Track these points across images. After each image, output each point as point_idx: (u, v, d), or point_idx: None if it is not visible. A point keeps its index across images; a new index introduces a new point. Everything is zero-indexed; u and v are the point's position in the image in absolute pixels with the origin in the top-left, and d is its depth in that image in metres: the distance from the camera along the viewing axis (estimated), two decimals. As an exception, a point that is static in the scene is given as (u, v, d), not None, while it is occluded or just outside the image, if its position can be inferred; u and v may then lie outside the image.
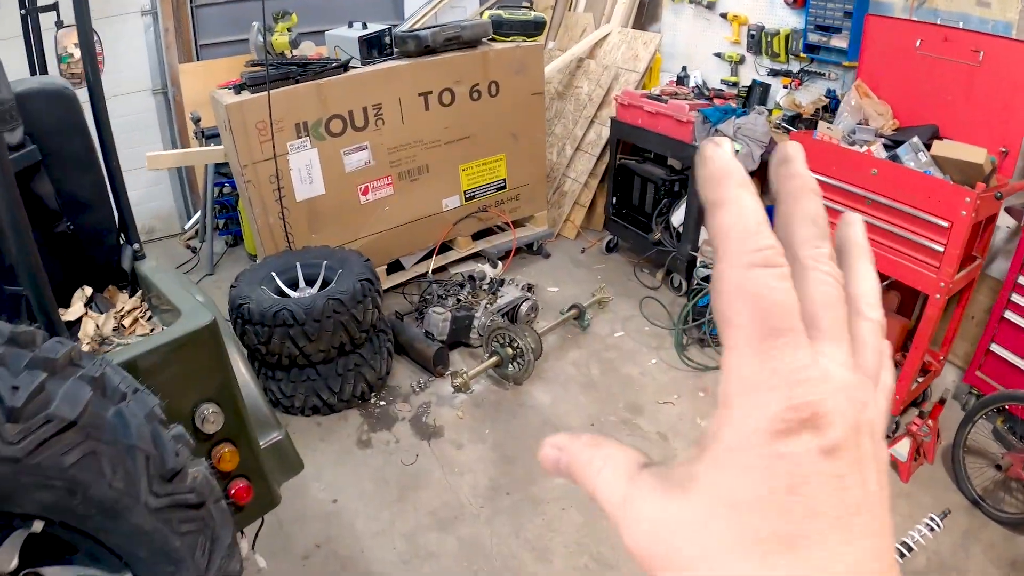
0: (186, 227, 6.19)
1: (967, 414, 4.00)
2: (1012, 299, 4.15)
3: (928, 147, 3.64)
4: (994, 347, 4.30)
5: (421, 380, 4.29)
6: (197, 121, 5.26)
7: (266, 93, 4.05)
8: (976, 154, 3.48)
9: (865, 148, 3.79)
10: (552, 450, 0.42)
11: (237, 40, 5.66)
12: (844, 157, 3.75)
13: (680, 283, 5.19)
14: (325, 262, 4.11)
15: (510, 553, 3.25)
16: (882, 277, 4.27)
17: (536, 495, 3.53)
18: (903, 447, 3.99)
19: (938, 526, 3.20)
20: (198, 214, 5.84)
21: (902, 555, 3.13)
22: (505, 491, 3.55)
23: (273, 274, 4.03)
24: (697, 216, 4.94)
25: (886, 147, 3.83)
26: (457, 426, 3.98)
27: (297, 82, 4.23)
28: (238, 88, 4.22)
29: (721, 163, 0.37)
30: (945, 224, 3.46)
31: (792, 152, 0.40)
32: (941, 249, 3.52)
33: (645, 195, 5.40)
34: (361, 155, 4.60)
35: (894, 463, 4.05)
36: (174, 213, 6.47)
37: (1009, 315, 4.16)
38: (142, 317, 2.22)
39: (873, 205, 3.68)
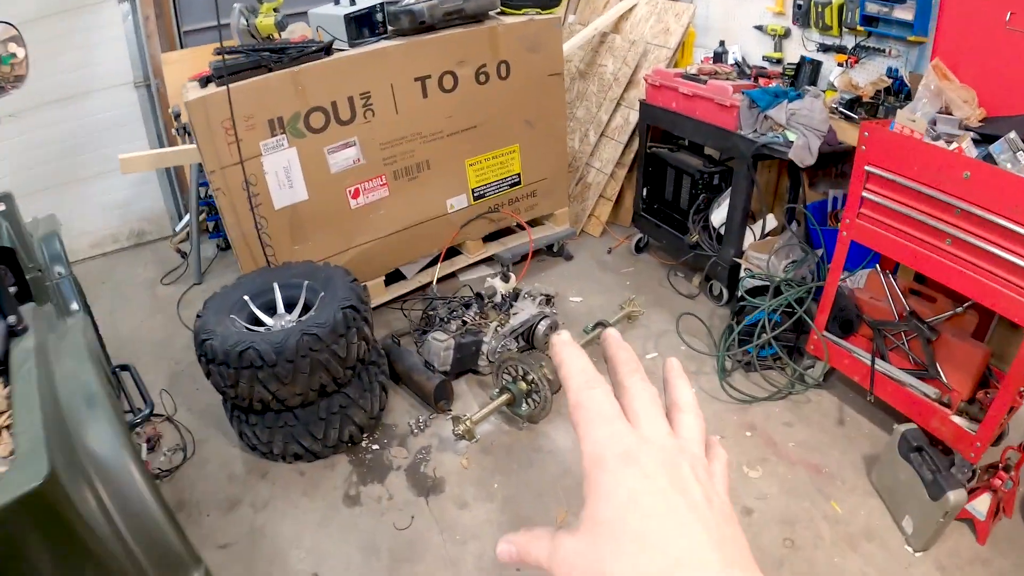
0: (177, 229, 5.64)
1: None
2: None
3: (1026, 144, 2.95)
4: None
5: (421, 418, 3.70)
6: (177, 116, 4.72)
7: (236, 86, 3.44)
8: None
9: (954, 145, 3.09)
10: (505, 545, 0.53)
11: (226, 24, 5.07)
12: (928, 155, 3.04)
13: (721, 291, 4.55)
14: (307, 282, 3.51)
15: None
16: (962, 299, 3.60)
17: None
18: (982, 504, 3.33)
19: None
20: (188, 216, 5.30)
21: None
22: (516, 567, 2.95)
23: (246, 298, 3.43)
24: (742, 216, 4.28)
25: (975, 143, 3.14)
26: (461, 477, 3.38)
27: (270, 70, 3.60)
28: (204, 81, 3.61)
29: (560, 342, 0.59)
30: None
31: (610, 333, 0.62)
32: None
33: (680, 189, 4.74)
34: (348, 153, 3.97)
35: (970, 521, 3.40)
36: (164, 214, 5.97)
37: None
38: (6, 428, 1.61)
39: (962, 216, 2.97)
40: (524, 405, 3.59)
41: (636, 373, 0.57)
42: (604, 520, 0.47)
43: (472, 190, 4.61)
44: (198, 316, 3.27)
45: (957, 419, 3.43)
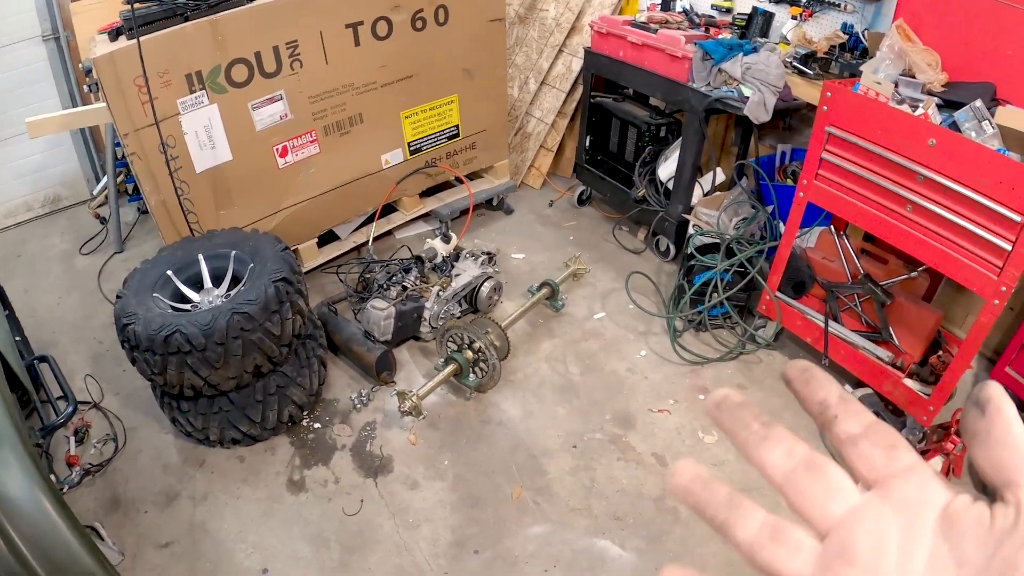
0: (94, 192, 5.22)
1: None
2: None
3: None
4: None
5: (363, 391, 3.51)
6: (89, 72, 4.28)
7: (148, 39, 3.11)
8: None
9: (919, 111, 2.98)
10: None
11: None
12: (894, 120, 2.93)
13: (668, 247, 4.43)
14: (234, 252, 3.24)
15: None
16: (914, 261, 3.55)
17: (511, 552, 2.82)
18: (934, 466, 3.34)
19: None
20: (105, 178, 4.90)
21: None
22: (473, 548, 2.84)
23: (170, 273, 3.16)
24: (692, 172, 4.14)
25: (938, 108, 3.04)
26: (409, 455, 3.23)
27: (186, 19, 3.26)
28: (114, 33, 3.26)
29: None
30: (1017, 218, 2.67)
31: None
32: (1008, 247, 2.76)
33: (625, 140, 4.57)
34: (275, 108, 3.68)
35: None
36: (80, 177, 5.48)
37: None
38: None
39: (925, 183, 2.89)
40: (471, 375, 3.44)
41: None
42: None
43: (408, 144, 4.36)
44: (118, 297, 2.98)
45: (909, 382, 3.41)
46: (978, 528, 0.38)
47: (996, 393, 0.42)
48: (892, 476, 0.41)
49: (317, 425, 3.37)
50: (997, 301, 2.92)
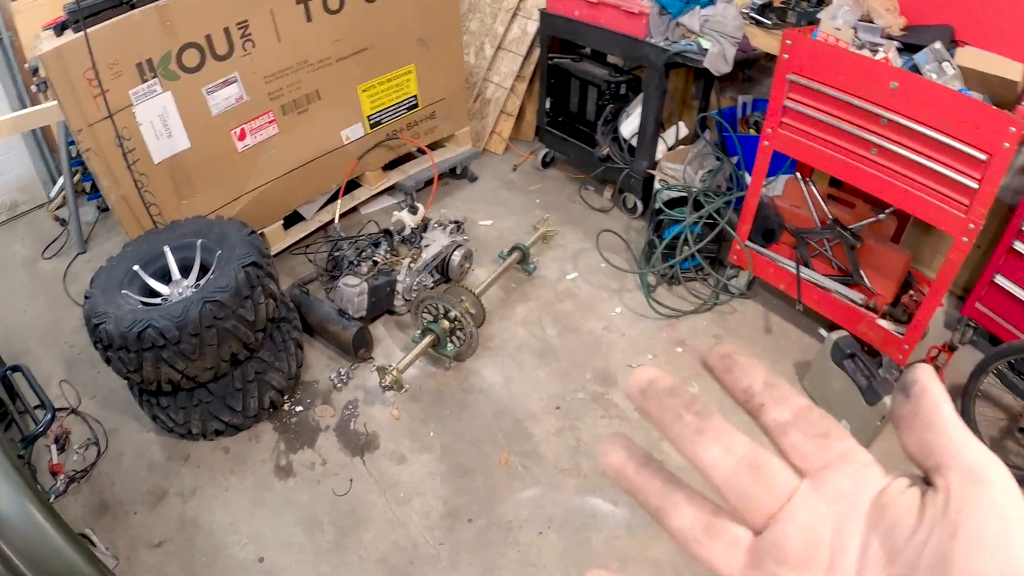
0: (51, 195, 5.09)
1: (980, 365, 3.49)
2: (1023, 228, 3.54)
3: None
4: (999, 279, 3.75)
5: (342, 370, 3.50)
6: (35, 71, 4.15)
7: (95, 30, 3.03)
8: (1010, 68, 2.84)
9: (880, 55, 3.01)
10: None
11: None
12: (855, 65, 2.95)
13: (635, 204, 4.43)
14: (200, 240, 3.19)
15: None
16: (881, 204, 3.59)
17: (504, 518, 2.85)
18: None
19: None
20: (62, 178, 4.77)
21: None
22: (466, 517, 2.86)
23: (137, 268, 3.11)
24: (654, 127, 4.13)
25: (898, 52, 3.07)
26: (394, 430, 3.23)
27: (133, 7, 3.18)
28: (60, 28, 3.17)
29: None
30: (982, 156, 2.72)
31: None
32: (975, 185, 2.81)
33: (585, 100, 4.55)
34: (230, 91, 3.61)
35: (901, 423, 3.48)
36: (37, 181, 5.28)
37: (1018, 245, 3.58)
38: None
39: (889, 126, 2.93)
40: (449, 344, 3.43)
41: None
42: None
43: (368, 117, 4.31)
44: (86, 297, 2.93)
45: (883, 323, 3.46)
46: (909, 516, 0.36)
47: (923, 375, 0.40)
48: (825, 466, 0.39)
49: (299, 408, 3.36)
50: (966, 238, 2.97)
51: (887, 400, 3.12)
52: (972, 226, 2.93)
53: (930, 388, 0.39)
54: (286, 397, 3.36)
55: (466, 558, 2.72)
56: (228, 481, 3.05)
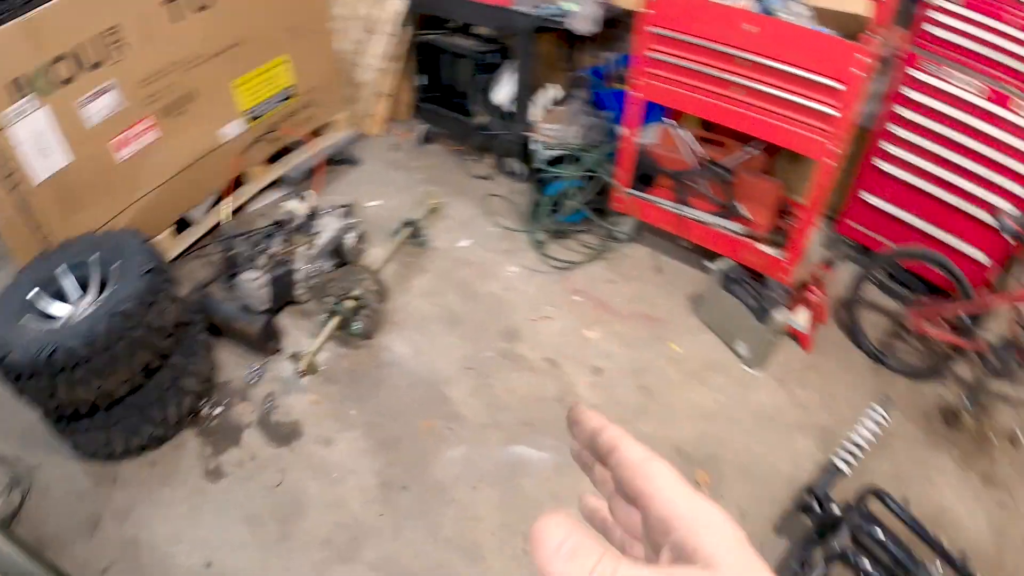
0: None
1: (861, 272, 3.82)
2: (881, 146, 3.93)
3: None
4: (864, 195, 4.11)
5: (254, 366, 3.52)
6: None
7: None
8: (856, 3, 3.14)
9: (742, 2, 3.26)
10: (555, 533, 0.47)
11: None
12: (716, 14, 3.19)
13: (517, 168, 4.57)
14: (96, 254, 3.15)
15: (435, 563, 2.71)
16: (748, 140, 3.85)
17: (437, 480, 2.97)
18: (801, 317, 3.72)
19: (886, 419, 2.89)
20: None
21: (856, 456, 2.79)
22: (400, 485, 2.96)
23: (34, 293, 3.04)
24: (527, 91, 4.27)
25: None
26: (315, 415, 3.28)
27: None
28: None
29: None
30: (838, 86, 3.01)
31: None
32: (835, 113, 3.10)
33: (458, 73, 4.65)
34: (106, 100, 3.54)
35: (795, 336, 3.77)
36: None
37: (878, 163, 3.92)
38: None
39: (752, 67, 3.20)
40: (356, 324, 3.50)
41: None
42: None
43: (246, 113, 4.29)
44: (-19, 330, 2.85)
45: (765, 248, 3.70)
46: None
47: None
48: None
49: (218, 410, 3.35)
50: (831, 161, 3.26)
51: (777, 315, 3.36)
52: (835, 150, 3.21)
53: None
54: (204, 401, 3.35)
55: (408, 524, 2.82)
56: (161, 494, 3.02)
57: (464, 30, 4.74)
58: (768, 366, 3.60)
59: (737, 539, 0.47)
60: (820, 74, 3.00)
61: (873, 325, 4.04)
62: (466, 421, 3.17)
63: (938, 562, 2.61)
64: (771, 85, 3.19)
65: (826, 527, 2.61)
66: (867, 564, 2.38)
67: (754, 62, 3.13)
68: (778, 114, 3.28)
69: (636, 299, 3.86)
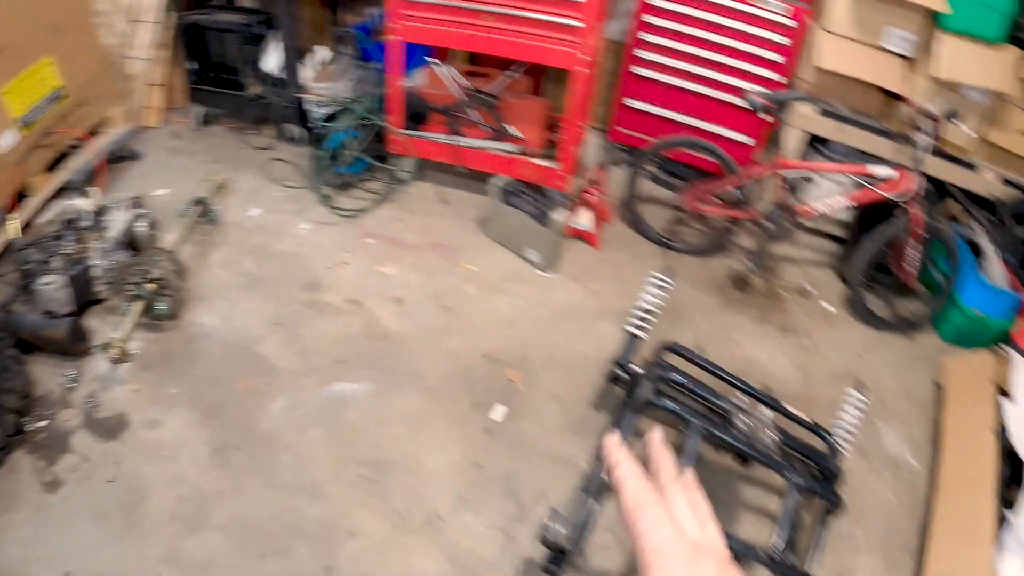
0: None
1: (630, 169, 4.13)
2: (635, 54, 4.22)
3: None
4: (627, 101, 4.45)
5: (69, 371, 3.48)
6: None
7: None
8: None
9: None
10: None
11: None
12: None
13: (296, 132, 4.65)
14: None
15: (280, 509, 2.85)
16: (506, 62, 4.10)
17: (266, 433, 3.10)
18: (585, 218, 4.03)
19: (666, 284, 3.18)
20: None
21: (647, 320, 3.06)
22: (232, 447, 3.07)
23: None
24: (295, 55, 4.35)
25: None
26: (138, 403, 3.31)
27: None
28: None
29: (612, 446, 0.77)
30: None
31: (654, 438, 0.80)
32: (580, 24, 3.43)
33: (227, 49, 4.66)
34: None
35: (581, 236, 4.06)
36: None
37: (636, 69, 4.27)
38: None
39: None
40: (159, 306, 3.53)
41: (675, 481, 0.74)
42: None
43: (19, 119, 4.16)
44: None
45: (539, 162, 3.96)
46: None
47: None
48: None
49: (43, 423, 3.29)
50: (585, 70, 3.57)
51: (557, 217, 3.63)
52: (586, 58, 3.51)
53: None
54: (27, 418, 3.30)
55: (246, 480, 2.94)
56: (5, 520, 2.94)
57: (228, 6, 4.76)
58: (561, 267, 3.89)
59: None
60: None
61: (656, 216, 4.39)
62: (282, 373, 3.30)
63: (739, 394, 2.94)
64: (518, 7, 3.43)
65: (633, 388, 2.88)
66: (670, 404, 2.66)
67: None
68: (529, 34, 3.54)
69: (426, 231, 4.07)
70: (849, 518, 3.11)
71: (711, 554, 0.67)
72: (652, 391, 2.71)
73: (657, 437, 0.79)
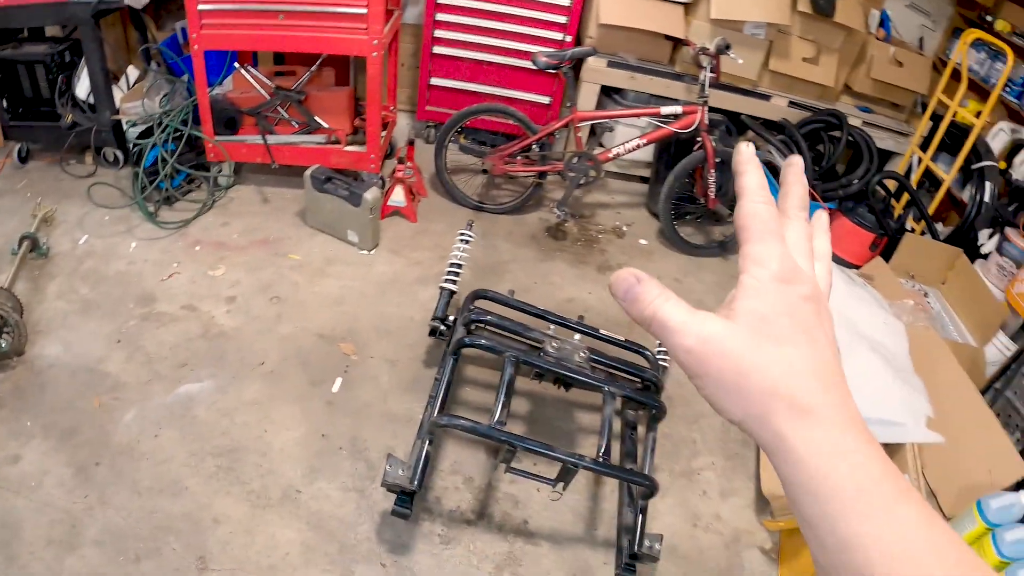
0: None
1: (437, 142, 4.42)
2: (435, 35, 4.51)
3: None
4: (433, 80, 4.74)
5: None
6: None
7: None
8: None
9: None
10: (629, 277, 0.58)
11: None
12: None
13: (115, 156, 4.73)
14: None
15: (147, 512, 2.99)
16: (305, 56, 4.31)
17: (123, 444, 3.23)
18: (399, 195, 4.30)
19: (469, 237, 3.46)
20: None
21: (456, 273, 3.33)
22: (93, 463, 3.19)
23: None
24: (104, 78, 4.43)
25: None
26: (-4, 442, 3.40)
27: None
28: None
29: (746, 154, 0.62)
30: None
31: (796, 161, 0.65)
32: (364, 11, 3.70)
33: (37, 81, 4.66)
34: None
35: (398, 212, 4.33)
36: None
37: (436, 49, 4.56)
38: None
39: None
40: (1, 343, 3.60)
41: (802, 210, 0.63)
42: (766, 315, 0.54)
43: None
44: None
45: (349, 148, 4.20)
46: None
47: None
48: None
49: None
50: (375, 54, 3.81)
51: (367, 196, 3.87)
52: (376, 42, 3.76)
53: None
54: None
55: (112, 491, 3.07)
56: None
57: (33, 37, 4.75)
58: (382, 243, 4.15)
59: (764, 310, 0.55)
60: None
61: (470, 184, 4.69)
62: (130, 386, 3.44)
63: (551, 327, 3.25)
64: (305, 3, 3.66)
65: (458, 346, 3.16)
66: (482, 340, 2.97)
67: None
68: (320, 27, 3.77)
69: (251, 231, 4.27)
70: (687, 424, 3.51)
71: (810, 286, 0.58)
72: (464, 333, 3.01)
73: (798, 163, 0.65)
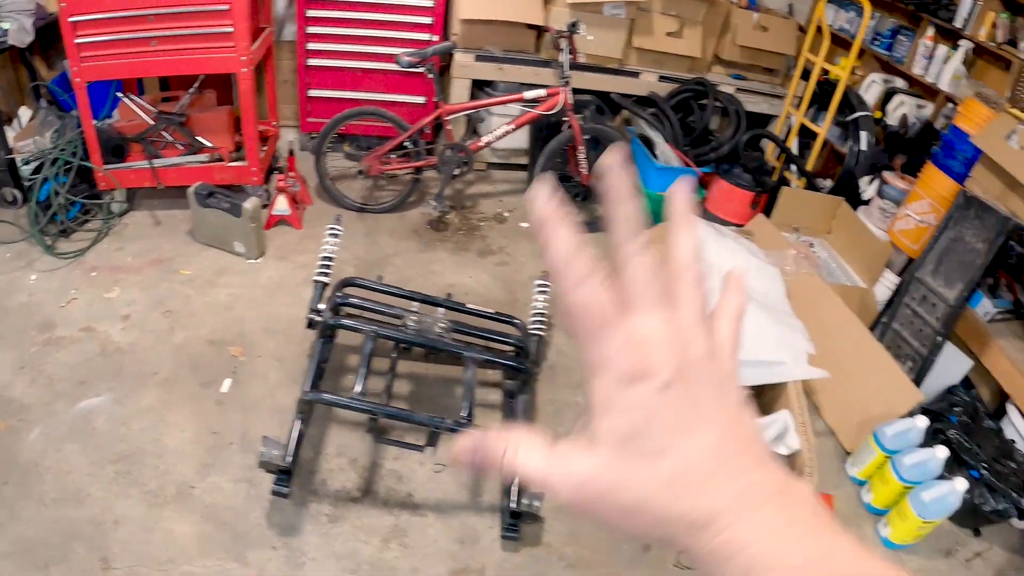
0: None
1: (315, 151, 4.66)
2: (308, 48, 4.76)
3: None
4: (311, 92, 4.99)
5: None
6: None
7: None
8: None
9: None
10: (468, 444, 0.52)
11: None
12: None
13: (13, 196, 4.87)
14: None
15: (53, 521, 3.16)
16: (189, 80, 4.52)
17: (28, 461, 3.36)
18: (282, 204, 4.52)
19: (337, 231, 3.68)
20: None
21: (327, 266, 3.57)
22: (1, 483, 3.33)
23: None
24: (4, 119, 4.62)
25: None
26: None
27: None
28: None
29: (540, 210, 0.50)
30: (225, 7, 3.87)
31: (610, 162, 0.50)
32: (231, 30, 3.92)
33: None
34: None
35: (284, 221, 4.56)
36: None
37: (311, 61, 4.80)
38: None
39: (155, 19, 3.91)
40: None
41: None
42: (626, 437, 0.48)
43: None
44: None
45: (233, 164, 4.42)
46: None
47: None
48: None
49: None
50: (245, 70, 4.02)
51: (247, 205, 4.11)
52: (244, 58, 3.99)
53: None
54: None
55: (20, 506, 3.20)
56: None
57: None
58: (268, 251, 4.38)
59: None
60: (202, 4, 3.77)
61: (352, 188, 4.94)
62: (33, 407, 3.60)
63: (415, 305, 3.51)
64: (173, 28, 3.87)
65: (325, 329, 3.43)
66: (345, 321, 3.27)
67: (158, 14, 3.83)
68: (190, 49, 3.98)
69: (144, 252, 4.47)
70: (570, 390, 3.86)
71: (669, 367, 0.47)
72: (331, 317, 3.26)
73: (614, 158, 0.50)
